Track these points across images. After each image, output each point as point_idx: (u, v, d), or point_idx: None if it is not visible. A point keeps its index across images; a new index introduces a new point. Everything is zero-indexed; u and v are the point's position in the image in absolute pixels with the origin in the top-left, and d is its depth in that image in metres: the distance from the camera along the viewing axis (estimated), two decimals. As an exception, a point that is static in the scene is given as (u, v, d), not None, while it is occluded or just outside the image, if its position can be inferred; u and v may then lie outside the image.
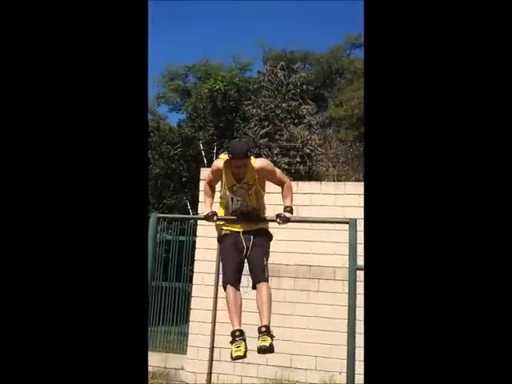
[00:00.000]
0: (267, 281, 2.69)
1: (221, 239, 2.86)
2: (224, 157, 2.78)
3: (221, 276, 2.77)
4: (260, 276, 2.68)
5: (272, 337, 2.54)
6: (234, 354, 2.50)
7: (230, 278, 2.71)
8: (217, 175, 2.81)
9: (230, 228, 2.81)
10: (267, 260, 2.75)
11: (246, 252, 2.71)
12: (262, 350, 2.48)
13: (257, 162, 2.75)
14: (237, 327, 2.61)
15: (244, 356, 2.50)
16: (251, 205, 2.74)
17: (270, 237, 2.85)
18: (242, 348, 2.50)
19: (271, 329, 2.56)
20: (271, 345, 2.48)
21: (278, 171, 2.89)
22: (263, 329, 2.53)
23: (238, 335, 2.55)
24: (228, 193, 2.76)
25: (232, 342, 2.56)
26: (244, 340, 2.55)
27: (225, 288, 2.71)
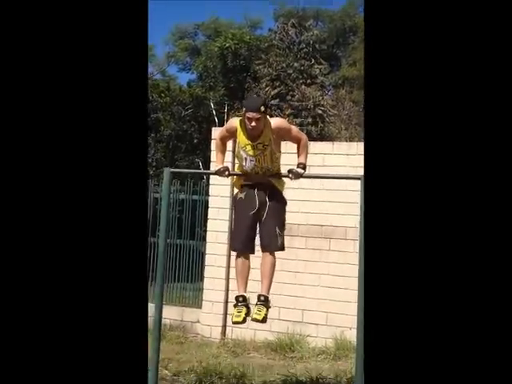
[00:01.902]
0: (274, 251, 2.72)
1: (236, 200, 2.87)
2: (240, 117, 2.77)
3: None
4: (267, 245, 2.72)
5: (268, 307, 2.67)
6: (234, 319, 2.65)
7: (240, 244, 2.77)
8: (231, 133, 2.81)
9: (245, 182, 2.81)
10: (280, 228, 2.75)
11: (260, 217, 2.73)
12: (255, 321, 2.64)
13: (273, 122, 2.73)
14: (241, 293, 2.72)
15: (243, 322, 2.64)
16: (265, 166, 2.73)
17: (284, 202, 2.84)
18: (242, 314, 2.64)
19: (269, 299, 2.69)
20: (264, 318, 2.63)
21: (294, 129, 2.86)
22: (262, 298, 2.67)
23: (240, 301, 2.68)
24: (242, 152, 2.75)
25: (235, 306, 2.70)
26: (246, 306, 2.68)
27: (233, 250, 2.80)
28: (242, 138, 2.73)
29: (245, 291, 2.74)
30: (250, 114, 2.59)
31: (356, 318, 2.58)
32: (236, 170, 2.91)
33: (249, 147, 2.70)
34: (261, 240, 2.75)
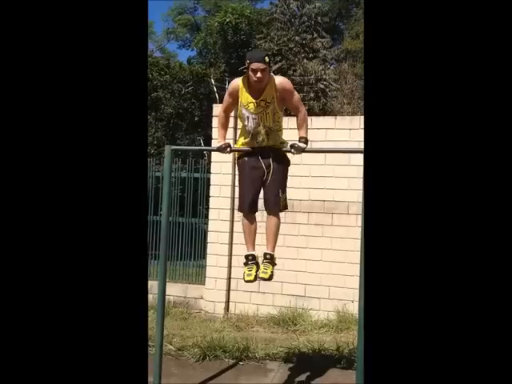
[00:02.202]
0: (278, 212, 2.77)
1: (239, 163, 2.86)
2: (240, 78, 2.71)
3: (236, 210, 2.85)
4: (272, 207, 2.75)
5: (274, 264, 2.76)
6: (246, 278, 2.73)
7: (246, 206, 2.80)
8: (234, 97, 2.74)
9: (247, 144, 2.78)
10: (283, 191, 2.77)
11: (265, 179, 2.74)
12: (262, 279, 2.73)
13: (277, 79, 2.67)
14: (250, 251, 2.80)
15: (254, 280, 2.73)
16: (267, 124, 2.69)
17: (287, 163, 2.84)
18: (253, 272, 2.73)
19: (275, 256, 2.77)
20: (270, 276, 2.71)
21: (297, 95, 2.79)
22: (268, 256, 2.75)
23: (250, 259, 2.76)
24: (244, 111, 2.70)
25: (245, 264, 2.78)
26: (256, 264, 2.76)
27: (241, 211, 2.84)
28: (244, 95, 2.68)
29: (254, 249, 2.81)
30: (255, 65, 2.54)
31: (358, 291, 2.60)
32: (239, 134, 2.90)
33: (251, 105, 2.66)
34: (266, 202, 2.77)
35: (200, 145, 13.74)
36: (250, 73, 2.57)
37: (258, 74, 2.54)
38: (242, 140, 2.84)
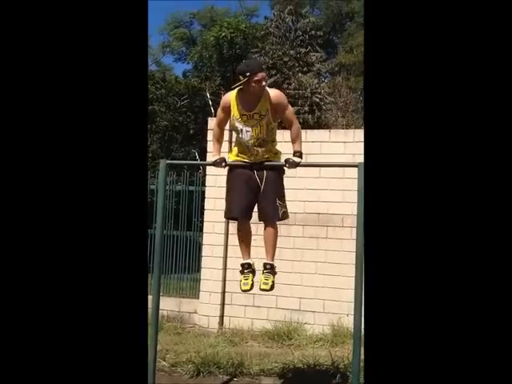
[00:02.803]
0: (276, 221, 2.74)
1: (231, 172, 2.82)
2: (232, 92, 2.72)
3: (230, 225, 2.84)
4: (269, 217, 2.72)
5: (274, 274, 2.76)
6: (243, 288, 2.73)
7: (237, 212, 2.73)
8: (227, 110, 2.74)
9: (241, 158, 2.78)
10: (280, 199, 2.73)
11: (259, 189, 2.71)
12: (263, 290, 2.72)
13: (271, 92, 2.67)
14: (246, 260, 2.79)
15: (251, 289, 2.72)
16: (261, 136, 2.68)
17: (282, 171, 2.81)
18: (250, 281, 2.72)
19: (275, 266, 2.76)
20: (272, 286, 2.71)
21: (291, 109, 2.81)
22: (268, 266, 2.74)
23: (246, 267, 2.75)
24: (237, 124, 2.69)
25: (241, 273, 2.77)
26: (252, 272, 2.76)
27: (227, 218, 2.82)
28: (237, 108, 2.68)
29: (249, 258, 2.80)
30: (261, 75, 2.56)
31: (353, 304, 2.58)
32: (233, 146, 2.90)
33: (245, 117, 2.67)
34: (263, 212, 2.73)
35: (195, 157, 13.76)
36: (254, 84, 2.56)
37: (264, 83, 2.57)
38: (236, 151, 2.84)
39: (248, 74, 2.56)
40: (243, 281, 2.73)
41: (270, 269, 2.73)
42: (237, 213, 2.76)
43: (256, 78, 2.54)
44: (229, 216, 2.84)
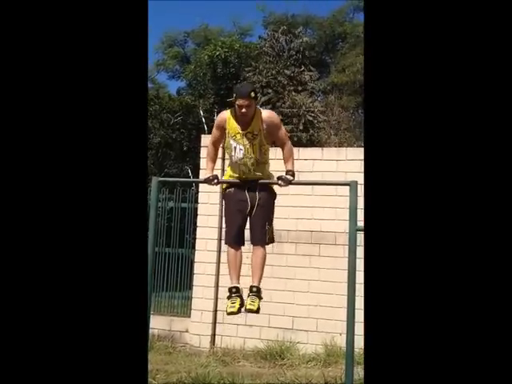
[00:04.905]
0: (264, 244, 2.76)
1: (225, 195, 2.88)
2: (227, 110, 2.78)
3: (223, 241, 2.84)
4: (258, 239, 2.75)
5: (260, 298, 2.73)
6: (229, 310, 2.69)
7: (232, 238, 2.80)
8: (221, 128, 2.78)
9: (234, 176, 2.82)
10: (269, 223, 2.78)
11: (251, 211, 2.74)
12: (250, 312, 2.68)
13: (264, 112, 2.74)
14: (234, 284, 2.76)
15: (238, 312, 2.69)
16: (254, 156, 2.72)
17: (274, 195, 2.86)
18: (237, 305, 2.69)
19: (261, 289, 2.73)
20: (258, 308, 2.68)
21: (283, 129, 2.85)
22: (254, 289, 2.73)
23: (234, 291, 2.72)
24: (231, 142, 2.74)
25: (228, 298, 2.74)
26: (239, 296, 2.73)
27: (228, 245, 2.82)
28: (231, 126, 2.72)
29: (238, 282, 2.78)
30: (240, 101, 2.61)
31: (346, 323, 2.56)
32: (226, 167, 2.91)
33: (238, 136, 2.71)
34: (252, 235, 2.76)
35: (188, 174, 13.76)
36: (236, 107, 2.65)
37: (243, 110, 2.62)
38: (229, 172, 2.85)
39: (234, 95, 2.67)
40: (230, 304, 2.70)
41: (256, 292, 2.72)
42: (230, 239, 2.82)
43: (237, 103, 2.63)
44: (226, 243, 2.90)
